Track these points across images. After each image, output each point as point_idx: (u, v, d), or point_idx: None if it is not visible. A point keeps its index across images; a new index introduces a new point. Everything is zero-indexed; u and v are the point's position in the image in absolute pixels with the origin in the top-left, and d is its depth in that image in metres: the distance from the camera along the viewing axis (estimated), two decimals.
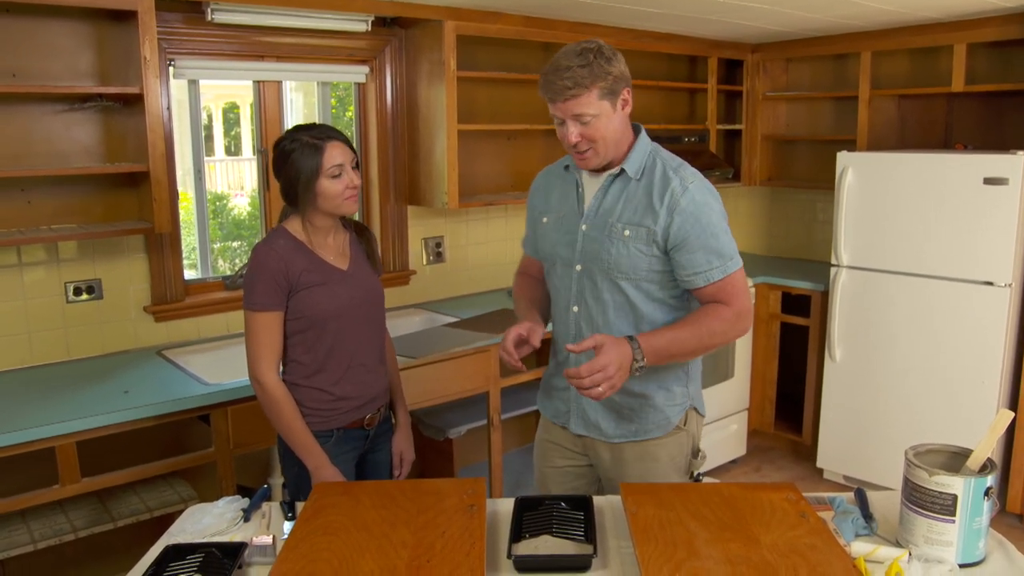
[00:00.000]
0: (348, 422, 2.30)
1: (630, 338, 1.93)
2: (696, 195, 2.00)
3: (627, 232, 2.03)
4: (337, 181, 2.17)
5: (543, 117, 4.22)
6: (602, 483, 2.29)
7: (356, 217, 2.33)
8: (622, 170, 2.06)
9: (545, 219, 2.22)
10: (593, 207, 2.10)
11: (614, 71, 1.95)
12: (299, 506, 1.92)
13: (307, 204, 2.19)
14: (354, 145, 2.64)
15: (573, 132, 1.97)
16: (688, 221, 1.98)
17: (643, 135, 2.10)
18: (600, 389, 1.84)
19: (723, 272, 2.01)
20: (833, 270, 4.25)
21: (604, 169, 2.09)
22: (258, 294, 2.16)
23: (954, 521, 1.69)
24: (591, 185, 2.14)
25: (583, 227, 2.10)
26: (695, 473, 2.23)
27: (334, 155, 2.16)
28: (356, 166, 2.23)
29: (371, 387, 2.34)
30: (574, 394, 2.19)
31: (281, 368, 2.27)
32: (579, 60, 1.92)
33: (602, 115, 1.96)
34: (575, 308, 2.14)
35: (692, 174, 2.05)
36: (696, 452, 2.23)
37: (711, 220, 2.00)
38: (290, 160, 2.16)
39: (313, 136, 2.16)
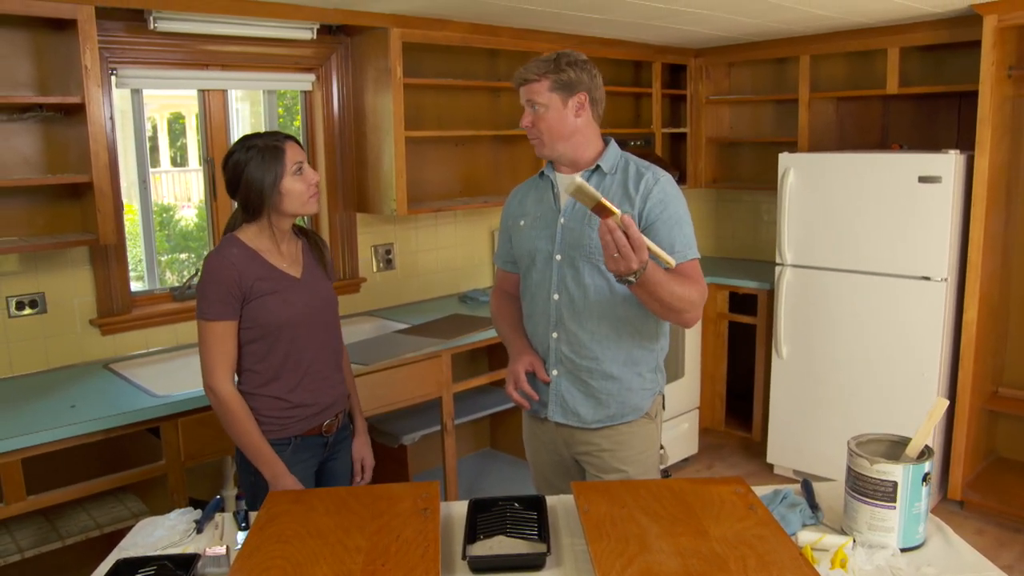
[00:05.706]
0: (305, 429, 2.29)
1: None
2: (666, 187, 2.20)
3: None
4: (300, 178, 2.20)
5: (490, 123, 4.29)
6: (586, 474, 2.37)
7: (304, 223, 2.33)
8: (598, 166, 2.25)
9: (522, 222, 2.35)
10: (570, 202, 2.25)
11: (571, 73, 2.18)
12: (253, 516, 1.92)
13: (272, 209, 2.20)
14: None
15: (527, 116, 2.22)
16: (658, 206, 2.17)
17: (613, 144, 2.31)
18: (618, 254, 1.83)
19: (684, 257, 2.15)
20: (778, 269, 4.34)
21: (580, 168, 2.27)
22: (211, 303, 2.15)
23: (895, 507, 1.75)
24: (565, 185, 2.21)
25: (561, 220, 2.25)
26: (663, 467, 2.33)
27: (294, 153, 2.20)
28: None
29: (328, 394, 2.33)
30: (552, 385, 2.31)
31: (236, 378, 2.26)
32: (545, 58, 2.20)
33: (551, 107, 2.18)
34: (556, 296, 2.26)
35: (662, 172, 2.25)
36: (661, 447, 2.41)
37: (678, 210, 2.19)
38: (248, 168, 2.15)
39: (267, 140, 2.18)
